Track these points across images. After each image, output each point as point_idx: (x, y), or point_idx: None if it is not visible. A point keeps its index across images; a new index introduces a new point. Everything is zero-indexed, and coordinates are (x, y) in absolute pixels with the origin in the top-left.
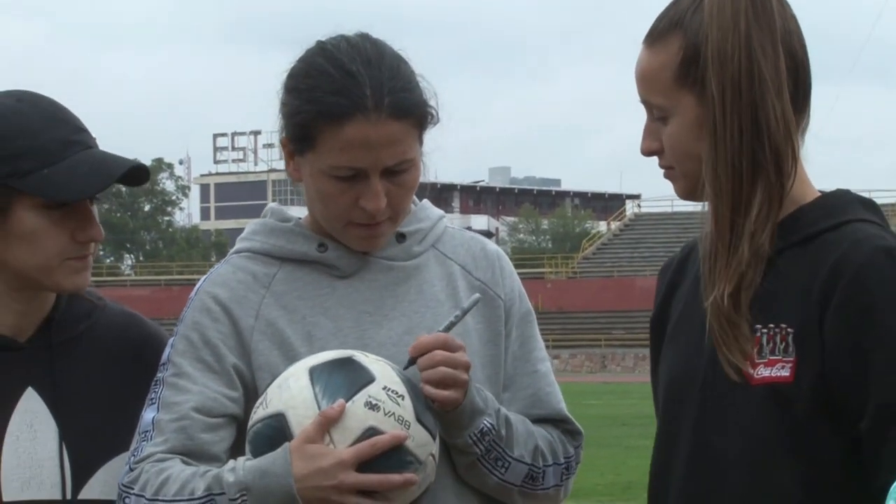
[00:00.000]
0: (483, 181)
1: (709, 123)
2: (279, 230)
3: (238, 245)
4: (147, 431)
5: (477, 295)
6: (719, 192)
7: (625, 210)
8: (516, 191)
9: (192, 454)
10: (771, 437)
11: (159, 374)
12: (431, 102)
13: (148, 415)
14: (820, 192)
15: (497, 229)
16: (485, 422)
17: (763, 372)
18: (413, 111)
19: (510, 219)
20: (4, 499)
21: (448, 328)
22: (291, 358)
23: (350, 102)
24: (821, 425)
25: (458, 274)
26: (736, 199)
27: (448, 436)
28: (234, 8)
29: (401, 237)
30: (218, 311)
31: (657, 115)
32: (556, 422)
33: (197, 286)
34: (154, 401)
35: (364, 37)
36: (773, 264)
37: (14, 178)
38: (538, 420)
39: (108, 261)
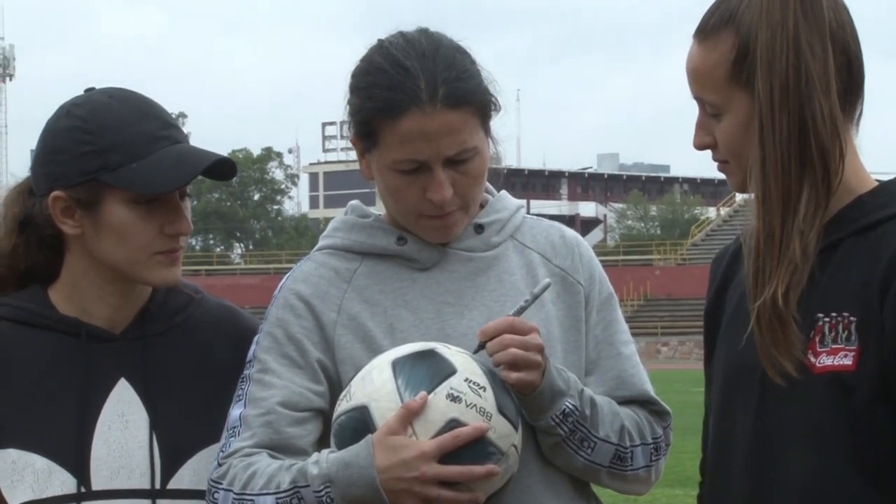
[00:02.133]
0: (591, 168)
1: (757, 122)
2: (359, 226)
3: (321, 242)
4: (235, 427)
5: (547, 280)
6: (769, 191)
7: (734, 196)
8: (625, 177)
9: (279, 448)
10: (832, 424)
11: (246, 371)
12: (492, 90)
13: (235, 411)
14: (877, 180)
15: (605, 216)
16: (567, 403)
17: (826, 360)
18: (469, 99)
19: (618, 205)
20: (94, 487)
21: (518, 312)
22: (374, 351)
23: (405, 96)
24: (881, 412)
25: (538, 262)
26: (786, 197)
27: (531, 418)
28: None
29: (479, 228)
30: (301, 307)
31: (710, 112)
32: (643, 403)
33: (280, 283)
34: (241, 397)
35: (422, 31)
36: (833, 254)
37: (104, 172)
38: (624, 402)
39: (218, 249)
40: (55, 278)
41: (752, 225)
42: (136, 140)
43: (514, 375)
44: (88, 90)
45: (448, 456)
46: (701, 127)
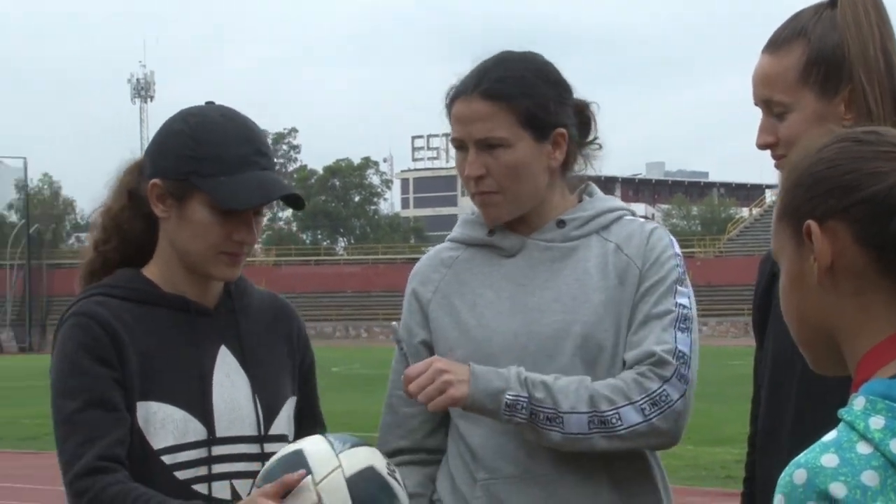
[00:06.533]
0: (641, 174)
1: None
2: (468, 221)
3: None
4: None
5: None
6: None
7: (764, 198)
8: (670, 182)
9: (396, 424)
10: None
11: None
12: (551, 108)
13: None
14: None
15: (653, 215)
16: (507, 397)
17: None
18: (503, 97)
19: (664, 206)
20: (218, 434)
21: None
22: (459, 323)
23: (462, 86)
24: None
25: (612, 251)
26: None
27: (494, 421)
28: (425, 28)
29: (561, 223)
30: (413, 301)
31: (776, 111)
32: (643, 359)
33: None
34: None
35: (522, 50)
36: None
37: (195, 176)
38: (630, 363)
39: (325, 243)
40: (144, 264)
41: None
42: (230, 158)
43: (438, 401)
44: (208, 103)
45: None
46: (764, 129)
